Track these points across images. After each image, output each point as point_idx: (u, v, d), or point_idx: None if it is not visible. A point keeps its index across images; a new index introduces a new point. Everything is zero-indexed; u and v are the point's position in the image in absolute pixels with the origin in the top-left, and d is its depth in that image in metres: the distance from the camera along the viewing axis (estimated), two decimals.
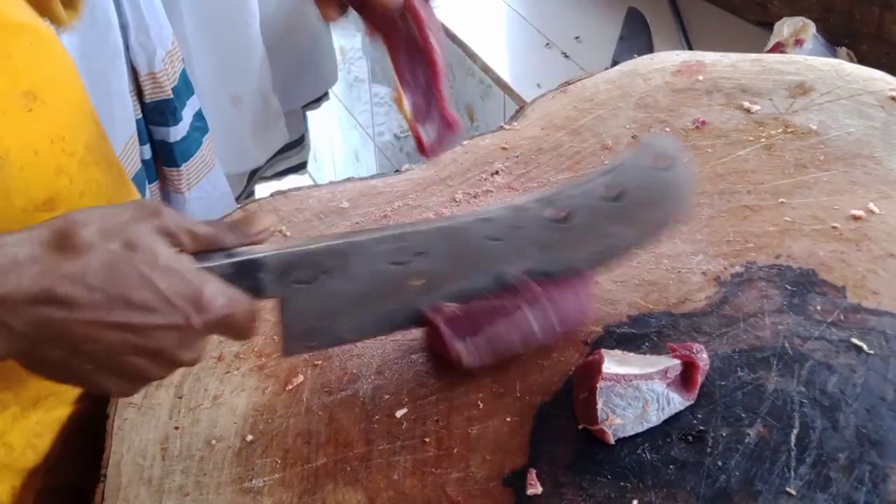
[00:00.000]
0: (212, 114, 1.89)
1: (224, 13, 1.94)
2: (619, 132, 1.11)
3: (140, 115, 1.69)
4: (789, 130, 1.14)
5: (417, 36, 0.92)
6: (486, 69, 2.02)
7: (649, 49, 2.01)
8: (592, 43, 2.01)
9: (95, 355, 0.68)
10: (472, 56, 2.06)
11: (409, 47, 0.95)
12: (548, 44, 2.05)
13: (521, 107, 1.21)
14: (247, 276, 0.76)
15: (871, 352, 0.89)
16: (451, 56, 2.17)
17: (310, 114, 2.50)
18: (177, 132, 1.74)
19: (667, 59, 1.27)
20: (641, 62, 1.27)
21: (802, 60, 1.23)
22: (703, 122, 1.16)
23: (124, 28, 1.55)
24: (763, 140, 1.13)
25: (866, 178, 1.07)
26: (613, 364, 0.85)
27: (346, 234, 0.85)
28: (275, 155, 2.31)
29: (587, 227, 0.89)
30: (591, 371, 0.84)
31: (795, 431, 0.83)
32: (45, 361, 0.69)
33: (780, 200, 1.05)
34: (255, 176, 2.31)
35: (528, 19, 2.13)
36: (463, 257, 0.86)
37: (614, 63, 1.94)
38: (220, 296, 0.71)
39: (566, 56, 2.01)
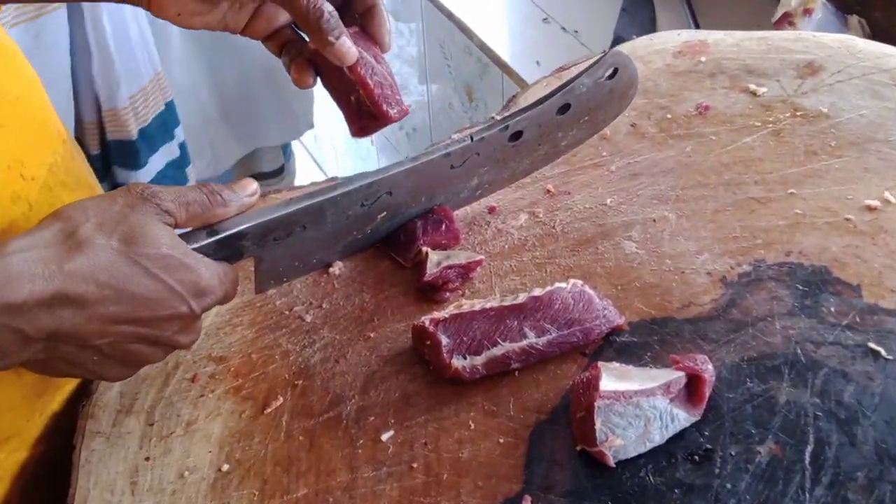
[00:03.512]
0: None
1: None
2: (616, 121, 1.04)
3: (98, 151, 1.59)
4: (798, 114, 1.07)
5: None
6: (483, 47, 1.95)
7: (652, 21, 1.94)
8: (592, 16, 1.93)
9: (102, 348, 0.71)
10: (468, 33, 1.99)
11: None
12: (546, 18, 1.97)
13: (514, 95, 1.15)
14: (230, 246, 0.80)
15: (890, 357, 0.83)
16: (446, 33, 2.11)
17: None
18: (138, 178, 1.64)
19: (667, 40, 1.20)
20: (640, 43, 1.20)
21: (811, 37, 1.16)
22: (707, 108, 1.10)
23: (88, 56, 1.45)
24: (770, 125, 1.07)
25: (881, 165, 1.00)
26: (612, 379, 0.79)
27: (322, 191, 0.86)
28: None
29: (535, 139, 0.97)
30: (587, 388, 0.78)
31: (810, 448, 0.77)
32: (52, 359, 0.71)
33: (790, 191, 0.99)
34: None
35: None
36: (424, 187, 0.94)
37: (615, 37, 1.88)
38: (216, 278, 0.75)
39: (565, 30, 1.93)
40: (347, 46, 0.86)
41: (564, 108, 0.95)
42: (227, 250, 0.80)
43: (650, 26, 1.93)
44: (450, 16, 2.05)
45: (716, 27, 1.78)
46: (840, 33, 1.62)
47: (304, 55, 0.91)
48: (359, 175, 0.89)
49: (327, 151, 3.27)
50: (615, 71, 0.95)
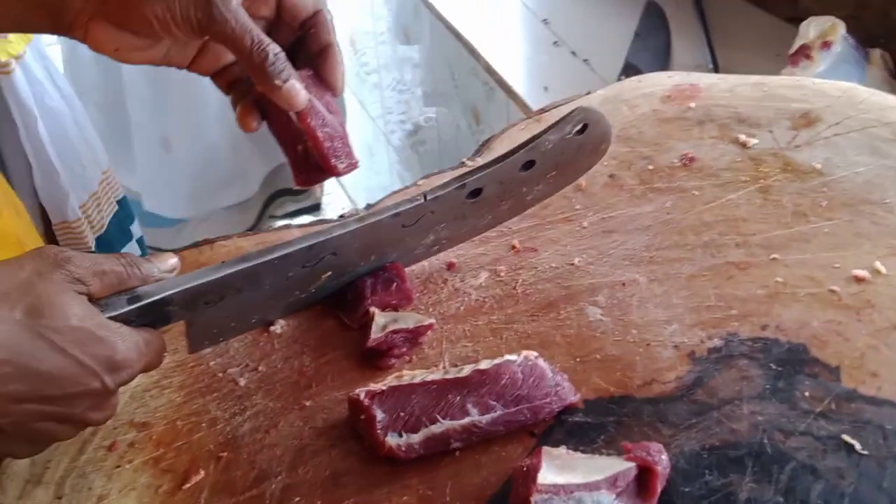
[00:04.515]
0: (142, 153, 1.75)
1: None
2: (594, 170, 0.98)
3: None
4: (789, 169, 1.00)
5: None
6: (490, 70, 1.89)
7: (666, 48, 1.87)
8: (605, 41, 1.86)
9: (4, 427, 0.66)
10: (475, 55, 1.93)
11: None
12: (556, 42, 1.91)
13: (488, 139, 1.08)
14: (154, 312, 0.74)
15: (865, 452, 0.75)
16: (454, 54, 2.04)
17: None
18: None
19: (656, 83, 1.13)
20: (628, 85, 1.13)
21: (811, 84, 1.09)
22: (692, 159, 1.02)
23: (27, 168, 1.29)
24: (759, 181, 1.00)
25: (874, 230, 0.93)
26: (552, 471, 0.72)
27: (257, 255, 0.80)
28: (280, 194, 2.20)
29: (497, 195, 0.91)
30: (525, 479, 0.72)
31: None
32: None
33: (773, 256, 0.92)
34: (263, 215, 2.21)
35: (537, 13, 1.99)
36: (374, 246, 0.88)
37: (626, 64, 1.81)
38: (133, 350, 0.70)
39: (575, 55, 1.86)
40: (296, 91, 0.80)
41: (529, 165, 0.89)
42: (152, 316, 0.74)
43: (664, 53, 1.86)
44: (458, 36, 1.99)
45: (733, 56, 1.73)
46: (859, 68, 1.54)
47: (251, 96, 0.85)
48: (301, 237, 0.83)
49: None
50: (584, 126, 0.89)
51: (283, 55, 0.80)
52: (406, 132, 2.70)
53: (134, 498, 0.78)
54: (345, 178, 3.24)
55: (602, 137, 0.91)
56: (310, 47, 0.86)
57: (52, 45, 2.08)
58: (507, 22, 2.01)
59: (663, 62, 1.81)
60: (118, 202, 1.46)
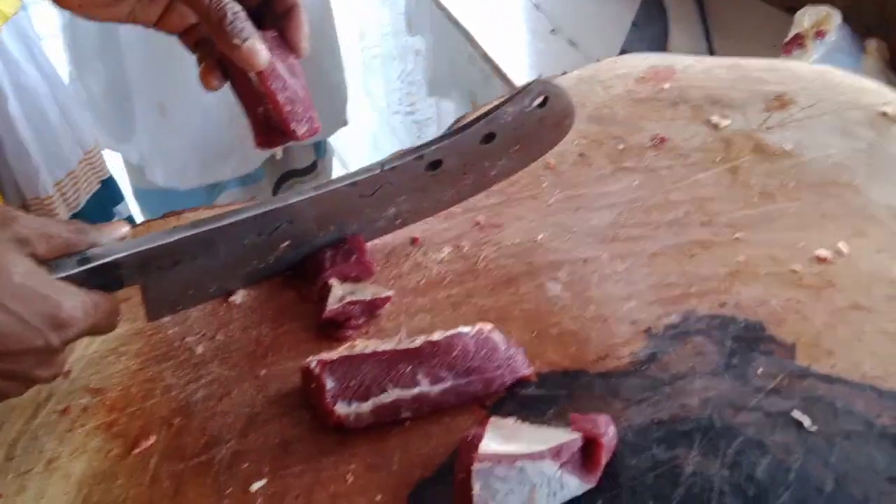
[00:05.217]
0: (141, 120, 1.75)
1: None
2: (564, 148, 0.97)
3: None
4: (759, 150, 1.00)
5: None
6: (486, 57, 1.88)
7: (664, 37, 1.86)
8: (602, 29, 1.86)
9: None
10: (472, 42, 1.92)
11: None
12: (553, 30, 1.90)
13: (462, 116, 1.08)
14: (105, 274, 0.74)
15: (814, 428, 0.75)
16: (454, 43, 2.04)
17: None
18: None
19: (632, 64, 1.13)
20: (604, 66, 1.13)
21: (786, 67, 1.08)
22: (663, 139, 1.02)
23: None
24: (728, 162, 0.99)
25: (840, 211, 0.92)
26: (496, 440, 0.72)
27: (209, 220, 0.81)
28: (288, 176, 2.19)
29: (458, 168, 0.90)
30: (468, 448, 0.71)
31: None
32: None
33: (737, 236, 0.91)
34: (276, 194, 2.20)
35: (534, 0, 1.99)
36: (332, 216, 0.88)
37: (622, 52, 1.80)
38: (79, 309, 0.69)
39: (572, 43, 1.86)
40: (255, 51, 0.80)
41: (489, 137, 0.88)
42: (103, 279, 0.75)
43: (662, 41, 1.85)
44: (456, 24, 1.98)
45: (730, 45, 1.72)
46: (854, 58, 1.53)
47: (215, 55, 0.85)
48: (255, 203, 0.83)
49: (354, 151, 3.23)
50: (545, 99, 0.88)
51: (242, 14, 0.79)
52: (410, 122, 2.70)
53: (84, 461, 0.78)
54: (351, 163, 3.24)
55: (564, 112, 0.91)
56: (275, 8, 0.86)
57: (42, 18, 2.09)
58: (505, 9, 2.01)
59: (659, 51, 1.80)
60: (102, 182, 1.46)
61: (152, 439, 0.79)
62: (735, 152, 1.00)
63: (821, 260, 0.87)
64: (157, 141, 1.81)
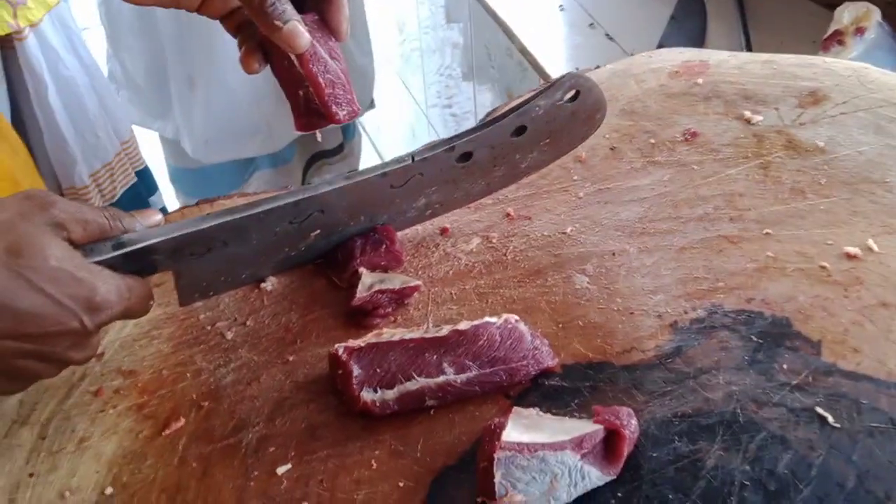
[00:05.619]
0: (176, 95, 1.76)
1: None
2: (595, 142, 0.98)
3: None
4: (792, 147, 0.99)
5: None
6: (524, 50, 1.88)
7: (702, 31, 1.85)
8: (640, 23, 1.85)
9: None
10: (510, 35, 1.93)
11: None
12: (592, 24, 1.90)
13: (493, 110, 1.08)
14: (139, 259, 0.75)
15: (837, 425, 0.74)
16: (491, 35, 2.05)
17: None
18: None
19: (667, 58, 1.13)
20: (638, 60, 1.13)
21: (822, 63, 1.08)
22: (695, 134, 1.02)
23: (39, 132, 1.30)
24: (760, 158, 0.99)
25: (871, 209, 0.92)
26: (518, 430, 0.72)
27: (242, 208, 0.82)
28: (316, 158, 2.20)
29: (488, 161, 0.91)
30: (491, 437, 0.72)
31: None
32: None
33: (766, 231, 0.91)
34: (304, 181, 2.21)
35: None
36: (363, 205, 0.89)
37: (659, 47, 1.79)
38: (113, 293, 0.71)
39: (609, 37, 1.86)
40: (297, 33, 0.81)
41: (520, 130, 0.89)
42: (138, 264, 0.76)
43: (699, 37, 1.84)
44: (494, 16, 1.99)
45: (768, 41, 1.71)
46: (894, 55, 1.52)
47: (256, 39, 0.87)
48: (288, 192, 0.84)
49: (390, 144, 3.25)
50: (577, 93, 0.89)
51: None
52: (447, 115, 2.71)
53: (115, 442, 0.80)
54: (384, 149, 3.26)
55: (596, 106, 0.91)
56: None
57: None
58: (543, 2, 2.01)
59: (697, 46, 1.79)
60: (137, 173, 1.47)
61: (182, 421, 0.81)
62: (767, 148, 0.99)
63: (850, 257, 0.87)
64: (186, 114, 1.83)
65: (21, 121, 1.24)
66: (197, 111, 1.81)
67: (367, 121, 3.10)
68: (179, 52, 1.76)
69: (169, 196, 1.88)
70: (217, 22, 0.91)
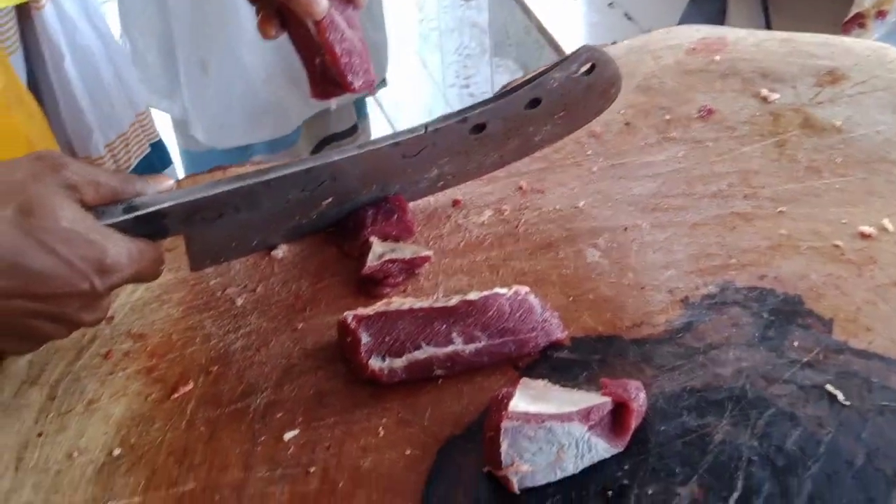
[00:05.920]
0: (186, 76, 1.75)
1: None
2: (610, 117, 0.97)
3: None
4: (808, 125, 0.98)
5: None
6: (541, 28, 1.88)
7: (722, 12, 1.84)
8: (660, 4, 1.84)
9: None
10: (528, 13, 1.92)
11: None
12: (611, 3, 1.89)
13: (508, 83, 1.08)
14: (150, 223, 0.76)
15: (848, 403, 0.74)
16: (509, 12, 2.04)
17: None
18: None
19: (685, 35, 1.12)
20: (655, 37, 1.12)
21: (840, 43, 1.07)
22: (710, 111, 1.01)
23: (55, 101, 1.29)
24: (776, 136, 0.98)
25: (887, 188, 0.91)
26: (526, 400, 0.72)
27: (254, 174, 0.81)
28: (327, 141, 2.19)
29: (501, 133, 0.90)
30: (498, 407, 0.72)
31: (736, 495, 0.69)
32: None
33: (780, 210, 0.91)
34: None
35: None
36: (375, 175, 0.88)
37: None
38: (124, 255, 0.71)
39: (628, 17, 1.85)
40: None
41: (535, 103, 0.89)
42: (148, 228, 0.76)
43: (719, 18, 1.83)
44: None
45: (788, 23, 1.69)
46: None
47: (274, 5, 0.86)
48: (299, 160, 0.84)
49: (401, 111, 3.24)
50: (592, 66, 0.88)
51: None
52: (465, 95, 2.70)
53: (124, 404, 0.80)
54: (401, 126, 3.24)
55: (611, 80, 0.90)
56: None
57: None
58: None
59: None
60: (151, 145, 1.47)
61: (190, 385, 0.81)
62: (783, 126, 0.99)
63: (864, 236, 0.87)
64: (198, 98, 1.83)
65: (38, 90, 1.24)
66: (210, 95, 1.81)
67: (384, 100, 3.09)
68: (192, 35, 1.76)
69: (180, 173, 1.88)
70: (230, 2, 0.91)
